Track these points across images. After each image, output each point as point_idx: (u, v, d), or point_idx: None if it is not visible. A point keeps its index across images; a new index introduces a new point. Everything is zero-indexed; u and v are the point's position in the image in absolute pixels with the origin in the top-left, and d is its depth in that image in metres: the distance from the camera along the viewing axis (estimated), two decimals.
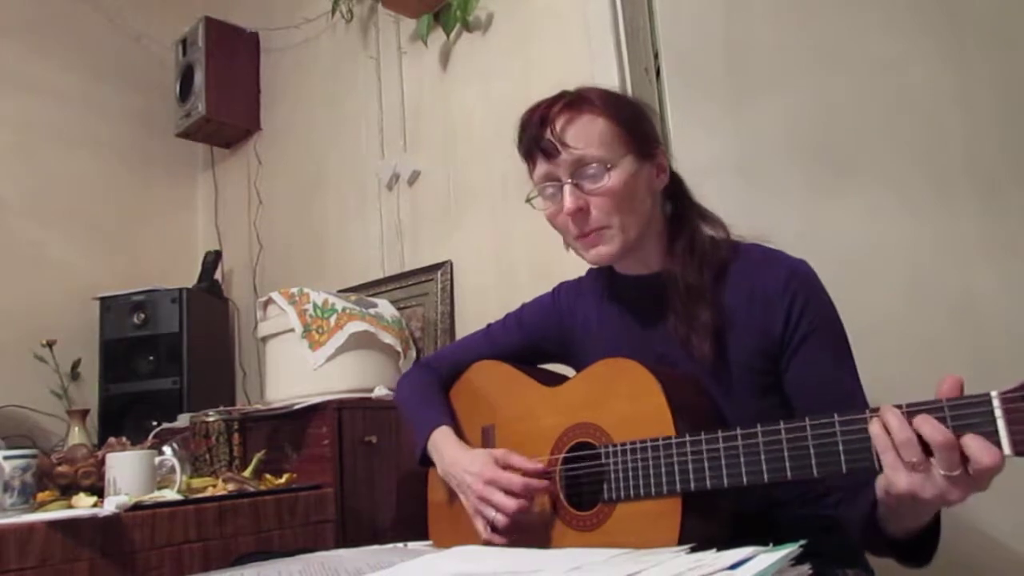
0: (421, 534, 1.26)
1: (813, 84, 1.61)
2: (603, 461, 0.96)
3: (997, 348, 1.40)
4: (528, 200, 1.07)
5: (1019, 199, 1.43)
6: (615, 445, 0.95)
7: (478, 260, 2.05)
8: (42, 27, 2.80)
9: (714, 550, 0.70)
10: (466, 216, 2.10)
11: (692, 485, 0.86)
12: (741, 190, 1.60)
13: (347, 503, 1.60)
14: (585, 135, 0.99)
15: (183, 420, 1.95)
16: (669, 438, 0.89)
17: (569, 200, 0.99)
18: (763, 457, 0.81)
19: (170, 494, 1.39)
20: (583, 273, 1.22)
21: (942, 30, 1.52)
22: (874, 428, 0.72)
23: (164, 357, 2.47)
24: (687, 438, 0.87)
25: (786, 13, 1.66)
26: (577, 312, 1.18)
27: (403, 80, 2.34)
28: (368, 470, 1.66)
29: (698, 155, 1.58)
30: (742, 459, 0.82)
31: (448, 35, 2.16)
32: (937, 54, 1.51)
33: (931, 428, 0.68)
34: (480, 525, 1.04)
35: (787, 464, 0.79)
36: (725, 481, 0.83)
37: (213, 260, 2.82)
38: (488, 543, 1.04)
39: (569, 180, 0.99)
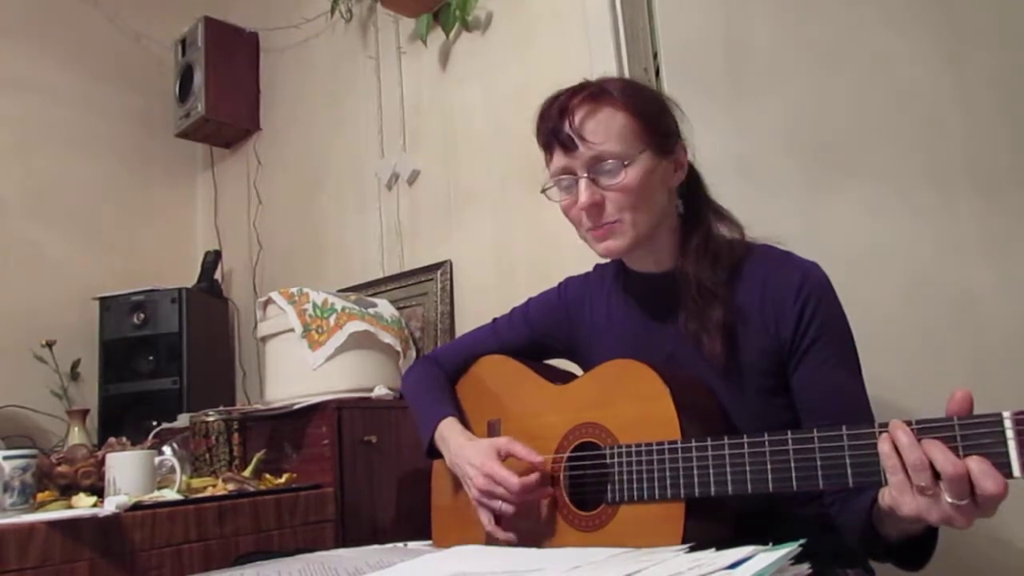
0: (421, 533, 1.26)
1: (812, 83, 1.60)
2: (608, 462, 0.96)
3: (997, 347, 1.40)
4: (544, 191, 1.07)
5: (1019, 199, 1.43)
6: (621, 446, 0.95)
7: (478, 260, 2.05)
8: (42, 27, 2.80)
9: (713, 549, 0.70)
10: (466, 216, 2.10)
11: (696, 491, 0.85)
12: (740, 189, 1.59)
13: (347, 503, 1.60)
14: (604, 130, 0.98)
15: (183, 420, 1.95)
16: (675, 442, 0.88)
17: (584, 195, 0.98)
18: (769, 467, 0.80)
19: (170, 494, 1.39)
20: (582, 272, 1.22)
21: (942, 28, 1.52)
22: (884, 447, 0.71)
23: (164, 357, 2.47)
24: (693, 443, 0.87)
25: (785, 12, 1.66)
26: (584, 308, 1.17)
27: (402, 80, 2.34)
28: (368, 470, 1.66)
29: (697, 154, 1.57)
30: (748, 467, 0.82)
31: (447, 35, 2.15)
32: (937, 53, 1.51)
33: (943, 458, 0.66)
34: (484, 517, 1.05)
35: (793, 475, 0.78)
36: (730, 488, 0.83)
37: (213, 260, 2.82)
38: (491, 535, 1.04)
39: (585, 174, 0.99)
